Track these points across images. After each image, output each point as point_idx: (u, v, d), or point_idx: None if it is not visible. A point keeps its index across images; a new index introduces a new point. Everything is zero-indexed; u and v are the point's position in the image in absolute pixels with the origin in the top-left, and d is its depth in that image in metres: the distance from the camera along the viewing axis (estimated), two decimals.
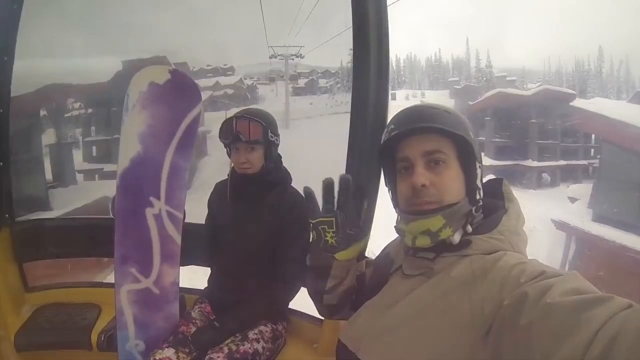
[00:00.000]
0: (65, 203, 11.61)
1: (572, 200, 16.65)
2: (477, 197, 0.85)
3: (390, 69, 1.49)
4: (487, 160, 24.82)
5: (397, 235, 0.95)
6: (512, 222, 0.84)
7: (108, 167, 18.94)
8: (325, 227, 0.97)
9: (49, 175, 13.85)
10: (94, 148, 21.08)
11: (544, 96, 25.87)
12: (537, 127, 26.25)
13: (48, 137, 15.19)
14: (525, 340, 0.59)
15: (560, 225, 14.29)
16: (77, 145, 22.21)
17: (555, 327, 0.56)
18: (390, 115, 0.97)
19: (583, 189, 17.24)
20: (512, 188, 0.92)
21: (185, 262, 1.62)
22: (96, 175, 19.88)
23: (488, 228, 0.83)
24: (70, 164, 15.76)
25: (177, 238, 1.55)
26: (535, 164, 26.38)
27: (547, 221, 15.52)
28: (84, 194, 12.92)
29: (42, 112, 14.72)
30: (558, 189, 25.22)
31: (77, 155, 20.63)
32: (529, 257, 0.78)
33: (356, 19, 1.35)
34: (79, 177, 19.16)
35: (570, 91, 27.73)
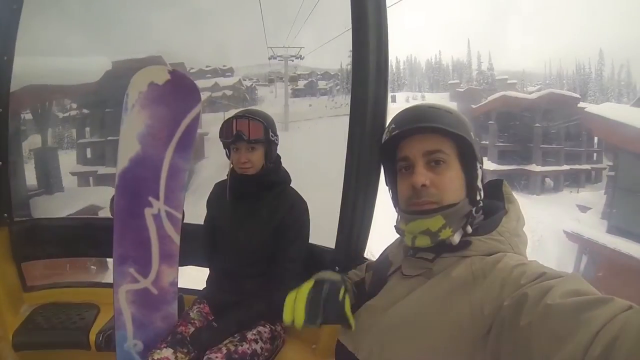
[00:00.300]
0: (47, 213, 10.99)
1: (582, 208, 16.21)
2: (478, 197, 0.85)
3: (390, 71, 1.50)
4: (490, 165, 24.78)
5: (396, 235, 0.95)
6: (512, 224, 0.84)
7: (102, 170, 18.77)
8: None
9: (33, 182, 13.11)
10: (88, 150, 20.84)
11: (549, 100, 25.82)
12: (541, 132, 26.21)
13: (33, 141, 14.52)
14: (525, 341, 0.59)
15: (573, 237, 13.93)
16: (63, 147, 21.94)
17: (555, 328, 0.56)
18: (389, 117, 0.98)
19: (594, 197, 16.82)
20: (515, 193, 0.92)
21: (184, 262, 1.62)
22: (90, 178, 19.67)
23: (488, 229, 0.83)
24: (56, 170, 14.69)
25: (176, 238, 1.55)
26: (539, 168, 26.37)
27: (555, 230, 15.22)
28: (69, 202, 12.44)
29: (24, 114, 14.01)
30: (561, 194, 25.17)
31: (71, 158, 20.40)
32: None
33: (355, 20, 1.35)
34: (72, 180, 18.84)
35: (575, 95, 27.77)
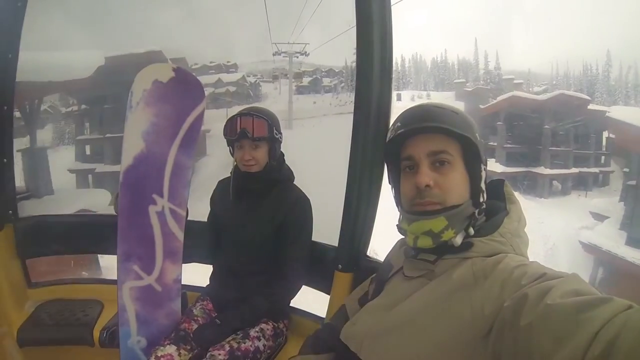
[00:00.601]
0: None
1: (596, 216, 15.73)
2: (481, 199, 0.85)
3: (395, 69, 1.49)
4: (498, 167, 24.41)
5: (398, 235, 0.95)
6: (513, 224, 0.84)
7: (101, 168, 18.50)
8: None
9: (22, 183, 12.20)
10: (87, 147, 20.51)
11: (558, 101, 25.35)
12: (550, 133, 25.81)
13: (21, 141, 13.35)
14: (525, 341, 0.59)
15: (589, 248, 13.46)
16: (65, 143, 21.76)
17: (555, 328, 0.56)
18: (393, 116, 0.97)
19: (607, 204, 16.22)
20: (522, 196, 0.90)
21: (187, 259, 1.63)
22: (89, 176, 19.39)
23: (489, 230, 0.83)
24: (45, 171, 13.77)
25: (180, 235, 1.55)
26: (547, 171, 25.89)
27: (569, 238, 14.76)
28: (58, 206, 11.81)
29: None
30: (570, 197, 24.84)
31: (72, 154, 20.23)
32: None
33: (359, 17, 1.35)
34: (70, 177, 18.59)
35: (585, 97, 27.24)
